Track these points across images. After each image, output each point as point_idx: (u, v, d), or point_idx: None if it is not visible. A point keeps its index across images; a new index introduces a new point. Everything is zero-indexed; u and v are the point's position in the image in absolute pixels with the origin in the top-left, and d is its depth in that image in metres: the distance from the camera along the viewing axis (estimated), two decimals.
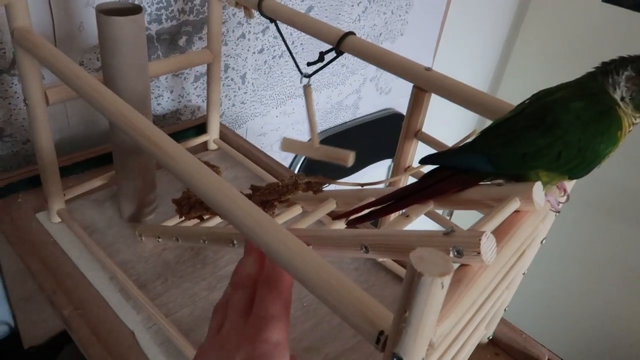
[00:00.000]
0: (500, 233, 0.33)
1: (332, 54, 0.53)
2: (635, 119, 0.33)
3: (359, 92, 1.22)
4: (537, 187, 0.34)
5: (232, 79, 0.91)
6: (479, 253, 0.28)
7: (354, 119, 1.27)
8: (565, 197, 0.39)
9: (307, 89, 0.58)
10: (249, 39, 0.89)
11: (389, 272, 0.59)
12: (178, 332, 0.47)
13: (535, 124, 0.34)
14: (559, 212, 0.39)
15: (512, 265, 0.42)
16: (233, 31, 0.85)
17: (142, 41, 0.50)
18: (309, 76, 0.58)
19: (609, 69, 0.34)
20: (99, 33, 0.48)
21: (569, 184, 0.39)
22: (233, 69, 0.89)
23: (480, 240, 0.28)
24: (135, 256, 0.56)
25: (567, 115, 0.33)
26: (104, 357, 0.46)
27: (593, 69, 0.34)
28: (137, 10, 0.49)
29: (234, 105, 0.94)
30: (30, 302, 0.74)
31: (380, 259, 0.60)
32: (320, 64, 0.55)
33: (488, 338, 0.53)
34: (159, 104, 0.81)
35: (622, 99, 0.33)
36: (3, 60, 0.60)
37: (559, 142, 0.32)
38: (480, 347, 0.53)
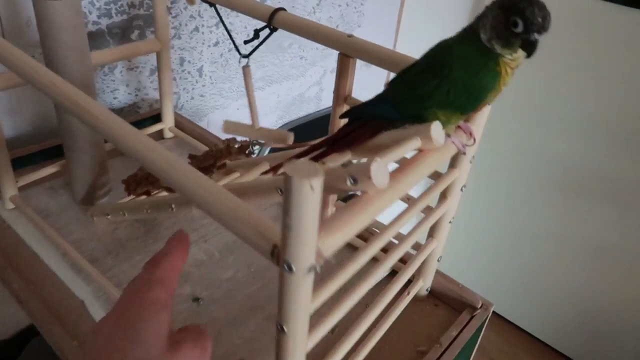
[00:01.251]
0: (402, 168, 0.35)
1: (267, 32, 0.56)
2: (512, 56, 0.36)
3: (320, 84, 1.25)
4: (435, 125, 0.37)
5: (189, 72, 0.93)
6: (370, 177, 0.30)
7: (318, 111, 1.30)
8: (472, 141, 0.42)
9: (245, 69, 0.61)
10: (202, 32, 0.91)
11: None
12: None
13: (428, 68, 0.37)
14: (464, 153, 0.42)
15: (434, 209, 0.46)
16: (186, 25, 0.88)
17: (79, 25, 0.52)
18: (246, 56, 0.61)
19: (483, 13, 0.36)
20: (37, 19, 0.51)
21: (476, 128, 0.43)
22: (189, 62, 0.92)
23: (370, 166, 0.30)
24: (87, 235, 0.58)
25: (452, 56, 0.36)
26: (54, 325, 0.47)
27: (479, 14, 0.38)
28: None
29: (192, 98, 0.96)
30: None
31: None
32: (256, 42, 0.58)
33: (426, 290, 0.55)
34: (115, 98, 0.83)
35: (489, 40, 0.36)
36: None
37: (446, 80, 0.36)
38: (420, 300, 0.56)
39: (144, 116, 0.82)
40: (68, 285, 0.52)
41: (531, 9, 0.34)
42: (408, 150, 0.36)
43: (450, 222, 0.50)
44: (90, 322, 0.48)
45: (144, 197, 0.56)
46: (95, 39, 0.76)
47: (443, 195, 0.48)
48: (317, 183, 0.24)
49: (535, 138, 1.75)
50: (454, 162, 0.46)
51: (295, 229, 0.25)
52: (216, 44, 0.95)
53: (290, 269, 0.27)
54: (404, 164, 0.36)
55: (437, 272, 0.57)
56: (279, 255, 0.27)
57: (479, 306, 0.54)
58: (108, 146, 0.64)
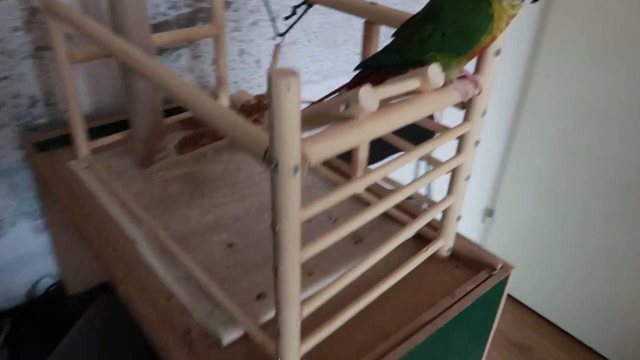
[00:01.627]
0: (398, 104, 0.39)
1: (303, 8, 0.61)
2: (514, 2, 0.38)
3: None
4: (433, 67, 0.39)
5: (247, 63, 1.01)
6: (358, 101, 0.34)
7: None
8: (478, 90, 0.44)
9: (277, 47, 0.66)
10: (261, 26, 0.99)
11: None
12: (171, 242, 0.56)
13: (426, 16, 0.40)
14: (466, 100, 0.44)
15: (446, 162, 0.48)
16: (245, 18, 0.96)
17: (142, 4, 0.61)
18: (282, 34, 0.66)
19: None
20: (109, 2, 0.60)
21: (485, 78, 0.45)
22: (248, 53, 1.00)
23: (359, 91, 0.34)
24: (143, 190, 0.66)
25: (446, 2, 0.39)
26: (108, 254, 0.55)
27: None
28: None
29: (251, 87, 1.04)
30: (72, 251, 0.86)
31: None
32: (293, 20, 0.63)
33: (447, 251, 0.57)
34: None
35: None
36: (45, 38, 0.74)
37: (441, 24, 0.39)
38: (441, 260, 0.57)
39: None
40: (122, 228, 0.59)
41: None
42: (405, 88, 0.39)
43: (466, 179, 0.52)
44: (140, 260, 0.55)
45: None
46: (164, 28, 0.86)
47: (458, 151, 0.50)
48: (294, 83, 0.28)
49: (612, 148, 1.67)
50: (467, 116, 0.48)
51: (277, 127, 0.30)
52: (274, 37, 1.02)
53: (276, 167, 0.31)
54: (400, 102, 0.39)
55: (460, 236, 0.58)
56: (269, 159, 0.32)
57: (499, 267, 0.54)
58: (166, 121, 0.72)
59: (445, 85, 0.42)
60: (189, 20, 0.88)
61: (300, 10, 0.62)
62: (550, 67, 1.75)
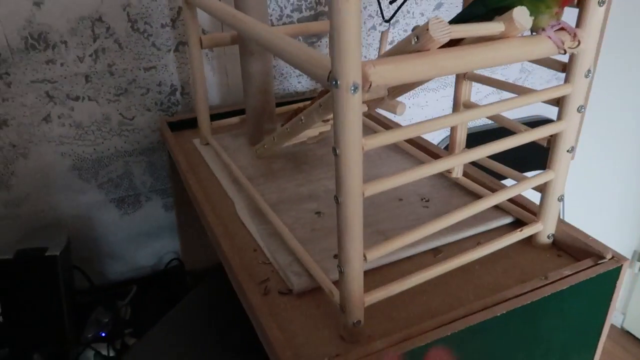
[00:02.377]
0: (476, 44, 0.37)
1: None
2: None
3: (500, 93, 1.23)
4: (518, 9, 0.38)
5: (364, 57, 1.04)
6: (428, 30, 0.34)
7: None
8: (576, 42, 0.41)
9: (384, 34, 0.68)
10: (379, 31, 1.02)
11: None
12: (265, 205, 0.59)
13: None
14: (563, 51, 0.40)
15: (542, 127, 0.44)
16: (365, 23, 1.00)
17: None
18: (388, 20, 0.68)
19: None
20: None
21: (588, 31, 0.41)
22: (365, 57, 1.03)
23: (429, 21, 0.34)
24: (250, 164, 0.71)
25: None
26: (210, 212, 0.60)
27: None
28: None
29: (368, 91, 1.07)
30: (191, 230, 0.95)
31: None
32: (398, 4, 0.64)
33: (548, 237, 0.52)
34: (299, 82, 0.99)
35: None
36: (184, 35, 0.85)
37: None
38: (542, 247, 0.52)
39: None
40: (226, 191, 0.65)
41: None
42: (486, 30, 0.38)
43: (569, 151, 0.47)
44: (238, 219, 0.59)
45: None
46: None
47: (558, 117, 0.46)
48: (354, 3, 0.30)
49: None
50: (568, 77, 0.44)
51: (336, 46, 0.31)
52: (391, 43, 1.04)
53: (336, 84, 0.32)
54: (483, 42, 0.38)
55: (565, 223, 0.52)
56: (331, 79, 0.33)
57: (609, 257, 0.48)
58: (278, 110, 0.78)
59: (537, 33, 0.39)
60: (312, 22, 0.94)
61: None
62: None
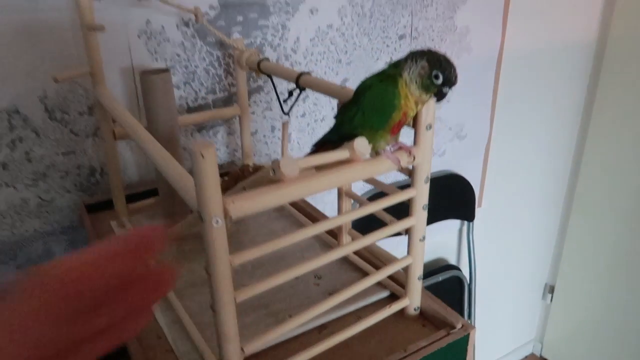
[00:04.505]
0: (325, 170, 0.46)
1: (298, 91, 0.72)
2: (426, 96, 0.45)
3: None
4: (359, 140, 0.47)
5: (278, 138, 1.13)
6: (279, 167, 0.42)
7: None
8: (412, 158, 0.50)
9: (284, 124, 0.76)
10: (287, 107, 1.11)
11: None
12: (171, 292, 0.65)
13: (353, 100, 0.48)
14: (400, 167, 0.50)
15: (398, 222, 0.54)
16: (275, 100, 1.09)
17: (169, 90, 0.75)
18: (287, 113, 0.77)
19: (412, 56, 0.47)
20: (142, 88, 0.74)
21: (421, 149, 0.51)
22: (278, 129, 1.12)
23: (280, 160, 0.42)
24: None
25: (364, 86, 0.47)
26: None
27: (407, 53, 0.48)
28: (165, 70, 0.74)
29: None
30: None
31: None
32: (292, 99, 0.74)
33: (415, 310, 0.60)
34: (217, 156, 1.06)
35: (411, 79, 0.46)
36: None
37: (360, 105, 0.46)
38: (409, 319, 0.60)
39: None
40: None
41: (450, 69, 0.45)
42: (336, 157, 0.47)
43: (421, 240, 0.56)
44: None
45: None
46: (203, 109, 1.00)
47: (409, 214, 0.55)
48: (208, 152, 0.37)
49: None
50: (412, 182, 0.54)
51: (199, 186, 0.38)
52: (303, 115, 1.14)
53: (201, 218, 0.39)
54: (332, 166, 0.47)
55: (429, 297, 0.61)
56: (198, 212, 0.40)
57: (458, 326, 0.57)
58: None
59: (378, 155, 0.49)
60: (224, 102, 1.02)
61: (296, 93, 0.72)
62: (605, 139, 1.71)
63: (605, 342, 1.85)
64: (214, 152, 0.38)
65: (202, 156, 0.37)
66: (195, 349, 0.56)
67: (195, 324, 0.58)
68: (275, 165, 0.43)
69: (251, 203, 0.41)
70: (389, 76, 0.46)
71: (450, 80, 0.46)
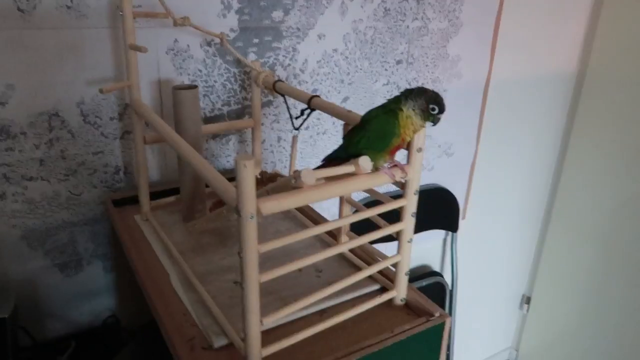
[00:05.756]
0: (337, 179, 0.58)
1: (308, 111, 0.84)
2: (423, 122, 0.58)
3: None
4: (363, 158, 0.59)
5: (284, 148, 1.24)
6: (300, 177, 0.54)
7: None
8: (405, 174, 0.62)
9: (294, 138, 0.88)
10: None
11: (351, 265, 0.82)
12: (194, 277, 0.76)
13: (360, 126, 0.60)
14: (394, 180, 0.62)
15: (390, 226, 0.65)
16: (284, 113, 1.21)
17: (196, 104, 0.86)
18: (297, 129, 0.88)
19: (412, 93, 0.59)
20: (173, 101, 0.85)
21: (412, 168, 0.63)
22: (284, 140, 1.24)
23: (301, 171, 0.54)
24: (183, 239, 0.87)
25: (370, 116, 0.59)
26: (148, 282, 0.75)
27: (403, 91, 0.60)
28: (194, 87, 0.85)
29: (285, 167, 1.27)
30: (129, 290, 1.08)
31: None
32: (303, 117, 0.85)
33: (401, 300, 0.72)
34: (228, 162, 1.17)
35: (413, 110, 0.58)
36: (130, 125, 1.01)
37: (366, 131, 0.58)
38: (396, 308, 0.72)
39: None
40: (163, 264, 0.80)
41: (442, 102, 0.58)
42: (343, 171, 0.58)
43: (409, 241, 0.68)
44: (172, 288, 0.75)
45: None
46: (219, 119, 1.12)
47: (400, 219, 0.67)
48: (249, 163, 0.49)
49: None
50: (403, 194, 0.66)
51: (239, 189, 0.50)
52: (307, 128, 1.26)
53: (239, 214, 0.51)
54: (339, 178, 0.58)
55: (414, 290, 0.73)
56: (236, 209, 0.52)
57: (437, 314, 0.68)
58: (207, 190, 0.95)
59: (377, 170, 0.61)
60: (238, 114, 1.14)
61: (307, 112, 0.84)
62: (582, 161, 1.85)
63: (579, 352, 1.97)
64: (252, 163, 0.49)
65: (245, 166, 0.49)
66: (216, 323, 0.67)
67: (215, 304, 0.69)
68: (297, 174, 0.54)
69: (277, 204, 0.53)
70: (391, 110, 0.58)
71: (442, 109, 0.59)
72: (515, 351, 2.22)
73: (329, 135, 1.30)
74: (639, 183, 1.69)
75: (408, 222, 0.67)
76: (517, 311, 2.18)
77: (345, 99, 1.29)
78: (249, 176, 0.49)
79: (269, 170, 1.22)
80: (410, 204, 0.66)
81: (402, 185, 0.66)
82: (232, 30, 1.06)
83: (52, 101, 0.93)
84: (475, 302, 1.97)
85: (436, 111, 0.58)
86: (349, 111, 0.74)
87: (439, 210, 1.61)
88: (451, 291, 1.72)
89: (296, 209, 0.97)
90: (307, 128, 1.26)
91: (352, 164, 0.59)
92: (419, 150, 0.62)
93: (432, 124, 0.59)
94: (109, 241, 1.08)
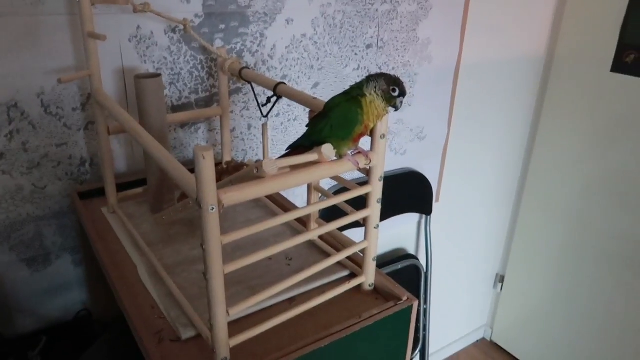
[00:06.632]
0: (300, 167, 0.57)
1: (275, 98, 0.83)
2: (387, 108, 0.58)
3: None
4: (326, 146, 0.58)
5: (254, 135, 1.23)
6: (262, 166, 0.53)
7: None
8: (369, 161, 0.62)
9: (264, 125, 0.87)
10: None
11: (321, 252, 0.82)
12: (162, 269, 0.75)
13: (323, 114, 0.60)
14: (359, 168, 0.62)
15: (355, 212, 0.65)
16: (254, 101, 1.19)
17: (160, 93, 0.84)
18: (265, 116, 0.87)
19: (373, 78, 0.59)
20: (136, 90, 0.83)
21: (376, 154, 0.63)
22: (255, 127, 1.22)
23: (262, 161, 0.53)
24: (151, 230, 0.86)
25: (333, 104, 0.58)
26: (116, 274, 0.74)
27: (364, 78, 0.60)
28: (158, 75, 0.83)
29: (257, 155, 1.26)
30: (99, 283, 1.06)
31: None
32: (270, 105, 0.84)
33: (370, 285, 0.73)
34: None
35: (376, 92, 0.58)
36: (93, 116, 0.99)
37: (329, 119, 0.58)
38: (365, 294, 0.73)
39: None
40: (130, 256, 0.79)
41: (402, 84, 0.57)
42: (307, 159, 0.58)
43: (375, 228, 0.69)
44: (140, 281, 0.74)
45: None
46: (187, 108, 1.10)
47: (365, 206, 0.67)
48: (208, 154, 0.48)
49: (618, 223, 1.75)
50: (369, 180, 0.66)
51: (199, 180, 0.49)
52: (277, 115, 1.25)
53: (199, 205, 0.50)
54: (303, 166, 0.58)
55: (382, 275, 0.74)
56: (197, 201, 0.51)
57: (404, 298, 0.69)
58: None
59: (341, 158, 0.60)
60: (206, 102, 1.12)
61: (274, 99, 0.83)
62: (552, 141, 1.88)
63: (551, 328, 2.03)
64: (212, 154, 0.48)
65: (203, 157, 0.48)
66: (184, 314, 0.66)
67: (184, 295, 0.69)
68: (259, 164, 0.54)
69: (239, 194, 0.52)
70: (354, 97, 0.58)
71: (403, 92, 0.59)
72: (490, 328, 2.28)
73: (300, 121, 1.30)
74: (607, 161, 1.72)
75: (374, 209, 0.67)
76: (492, 290, 2.23)
77: (316, 85, 1.28)
78: (207, 167, 0.48)
79: (240, 158, 1.21)
80: (375, 190, 0.66)
81: (367, 172, 0.66)
82: (197, 15, 1.03)
83: (11, 92, 0.90)
84: (451, 283, 2.00)
85: (397, 93, 0.58)
86: (315, 98, 0.74)
87: (412, 194, 1.63)
88: (426, 273, 1.75)
89: (267, 197, 0.96)
90: (277, 115, 1.25)
91: (316, 152, 0.58)
92: (382, 136, 0.62)
93: (394, 109, 0.59)
94: (77, 234, 1.06)
